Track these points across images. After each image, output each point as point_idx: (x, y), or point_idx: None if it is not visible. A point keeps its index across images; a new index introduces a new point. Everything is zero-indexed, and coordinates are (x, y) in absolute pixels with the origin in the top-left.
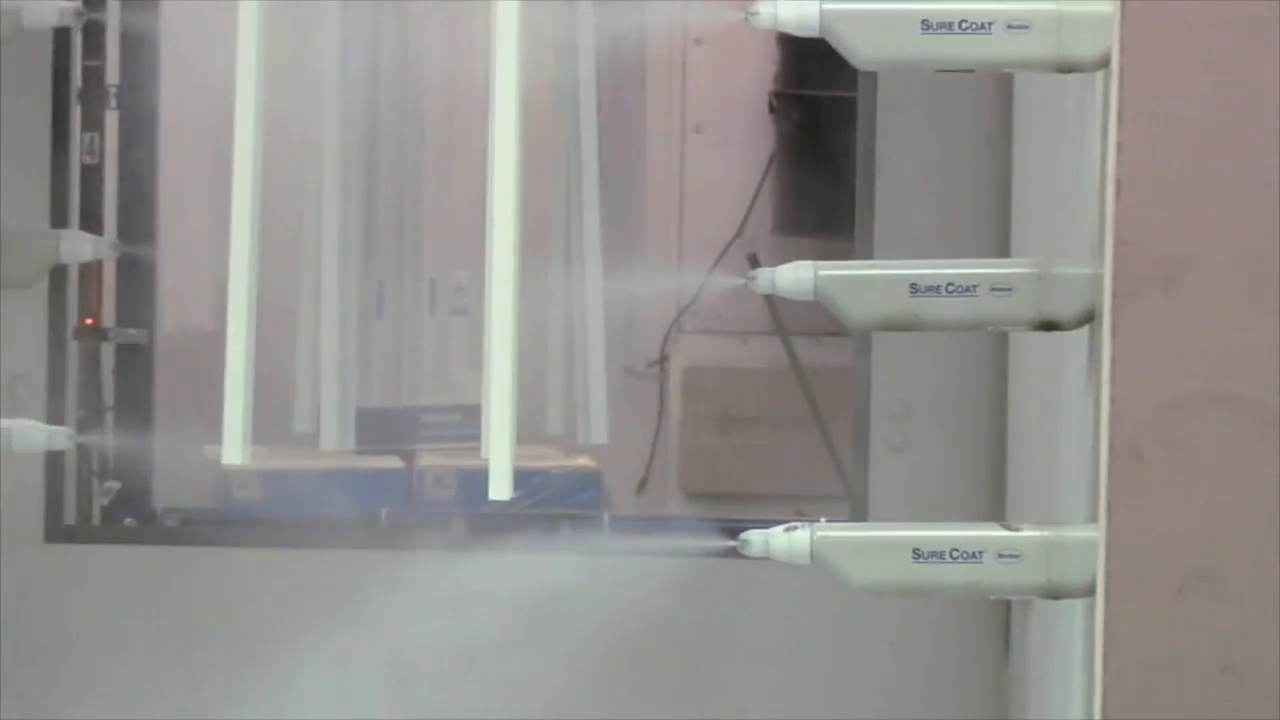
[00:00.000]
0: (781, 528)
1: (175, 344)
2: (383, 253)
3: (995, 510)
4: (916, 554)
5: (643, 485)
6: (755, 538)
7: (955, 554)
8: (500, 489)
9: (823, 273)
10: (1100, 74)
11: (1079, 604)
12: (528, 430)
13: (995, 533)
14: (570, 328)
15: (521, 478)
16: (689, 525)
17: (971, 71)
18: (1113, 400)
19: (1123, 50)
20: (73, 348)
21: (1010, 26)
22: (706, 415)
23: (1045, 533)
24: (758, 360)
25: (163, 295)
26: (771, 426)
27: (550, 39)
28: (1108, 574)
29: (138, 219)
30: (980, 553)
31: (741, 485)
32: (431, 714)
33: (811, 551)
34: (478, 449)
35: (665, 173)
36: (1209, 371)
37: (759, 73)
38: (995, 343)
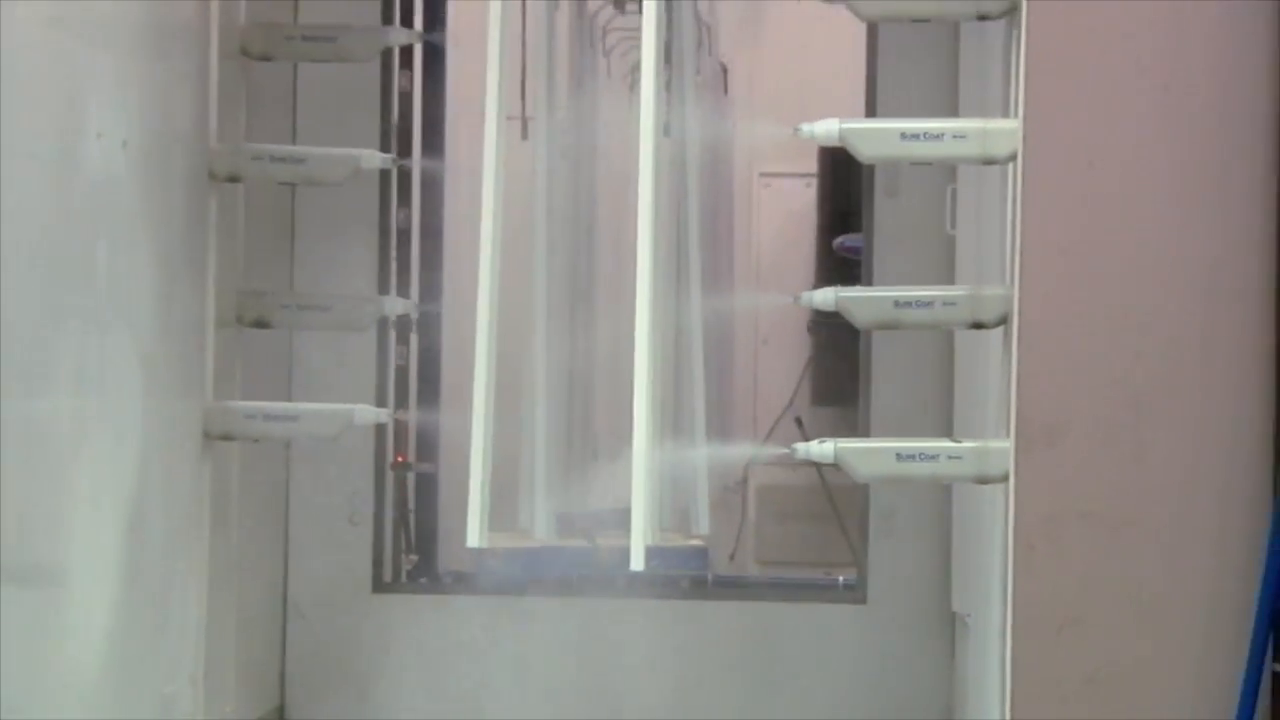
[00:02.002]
0: (816, 440)
1: (453, 472)
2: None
3: (942, 556)
4: (899, 456)
5: (732, 556)
6: (800, 447)
7: (922, 456)
8: (637, 561)
9: (841, 294)
10: (1010, 165)
11: (995, 630)
12: (665, 523)
13: (946, 443)
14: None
15: (658, 551)
16: (762, 581)
17: (930, 165)
18: (1015, 512)
19: (1025, 151)
20: (389, 475)
21: (954, 136)
22: (771, 514)
23: (976, 444)
24: (802, 480)
25: (445, 441)
26: (810, 521)
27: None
28: (1014, 618)
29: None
30: (937, 455)
31: (792, 557)
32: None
33: (835, 454)
34: None
35: (745, 370)
36: (1077, 496)
37: (802, 310)
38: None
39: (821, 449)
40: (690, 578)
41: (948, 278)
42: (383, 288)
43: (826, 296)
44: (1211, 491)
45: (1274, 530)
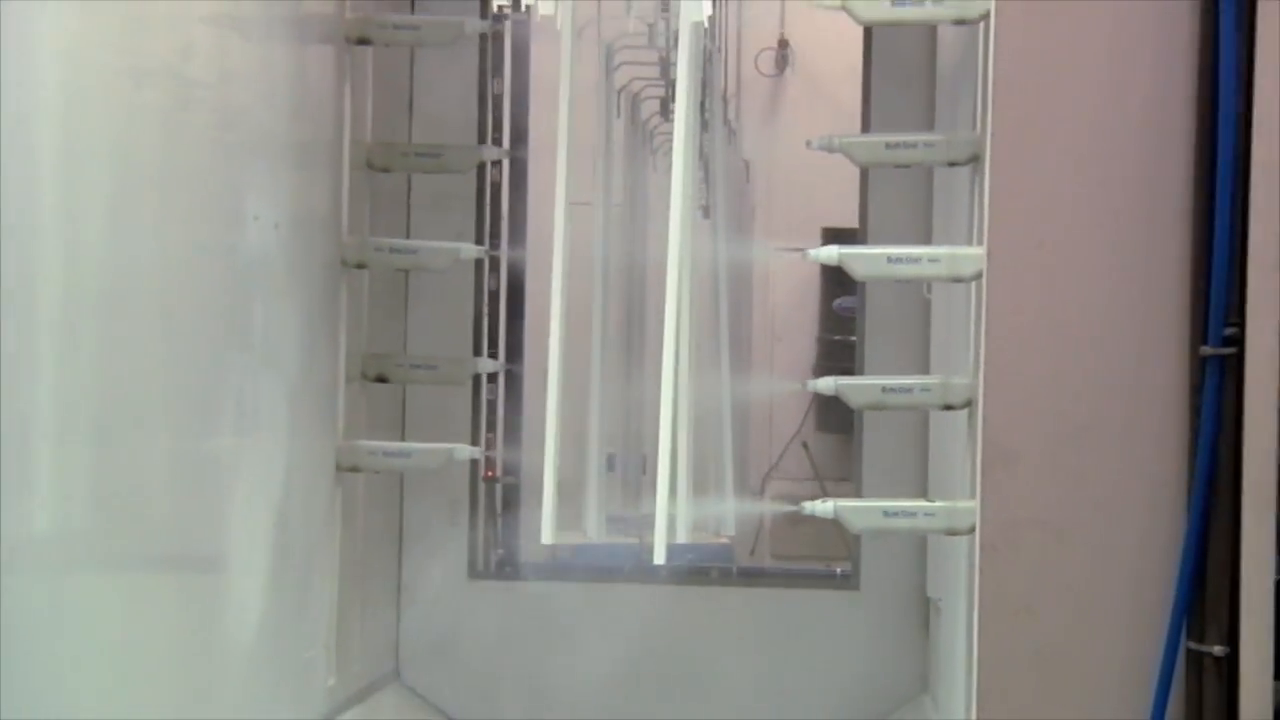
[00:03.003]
0: (819, 500)
1: (531, 486)
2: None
3: (920, 552)
4: (885, 513)
5: (752, 552)
6: (808, 505)
7: (903, 513)
8: (660, 556)
9: (840, 382)
10: (974, 283)
11: (962, 613)
12: (699, 525)
13: (923, 502)
14: (717, 474)
15: (693, 548)
16: (776, 571)
17: (909, 281)
18: (981, 520)
19: (989, 270)
20: (481, 487)
21: (929, 260)
22: (784, 518)
23: (947, 503)
24: (810, 493)
25: (524, 463)
26: (815, 524)
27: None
28: (981, 606)
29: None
30: (916, 513)
31: (803, 552)
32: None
33: (835, 511)
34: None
35: (762, 402)
36: (1030, 507)
37: (809, 353)
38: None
39: (824, 507)
40: (718, 568)
41: (925, 332)
42: (476, 351)
43: (828, 383)
44: (1137, 505)
45: (1187, 535)
